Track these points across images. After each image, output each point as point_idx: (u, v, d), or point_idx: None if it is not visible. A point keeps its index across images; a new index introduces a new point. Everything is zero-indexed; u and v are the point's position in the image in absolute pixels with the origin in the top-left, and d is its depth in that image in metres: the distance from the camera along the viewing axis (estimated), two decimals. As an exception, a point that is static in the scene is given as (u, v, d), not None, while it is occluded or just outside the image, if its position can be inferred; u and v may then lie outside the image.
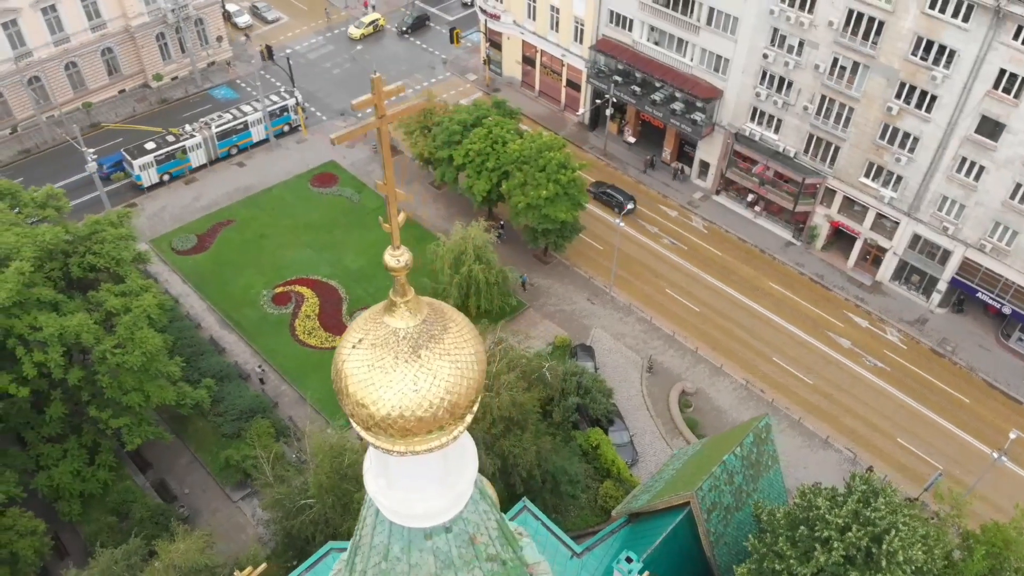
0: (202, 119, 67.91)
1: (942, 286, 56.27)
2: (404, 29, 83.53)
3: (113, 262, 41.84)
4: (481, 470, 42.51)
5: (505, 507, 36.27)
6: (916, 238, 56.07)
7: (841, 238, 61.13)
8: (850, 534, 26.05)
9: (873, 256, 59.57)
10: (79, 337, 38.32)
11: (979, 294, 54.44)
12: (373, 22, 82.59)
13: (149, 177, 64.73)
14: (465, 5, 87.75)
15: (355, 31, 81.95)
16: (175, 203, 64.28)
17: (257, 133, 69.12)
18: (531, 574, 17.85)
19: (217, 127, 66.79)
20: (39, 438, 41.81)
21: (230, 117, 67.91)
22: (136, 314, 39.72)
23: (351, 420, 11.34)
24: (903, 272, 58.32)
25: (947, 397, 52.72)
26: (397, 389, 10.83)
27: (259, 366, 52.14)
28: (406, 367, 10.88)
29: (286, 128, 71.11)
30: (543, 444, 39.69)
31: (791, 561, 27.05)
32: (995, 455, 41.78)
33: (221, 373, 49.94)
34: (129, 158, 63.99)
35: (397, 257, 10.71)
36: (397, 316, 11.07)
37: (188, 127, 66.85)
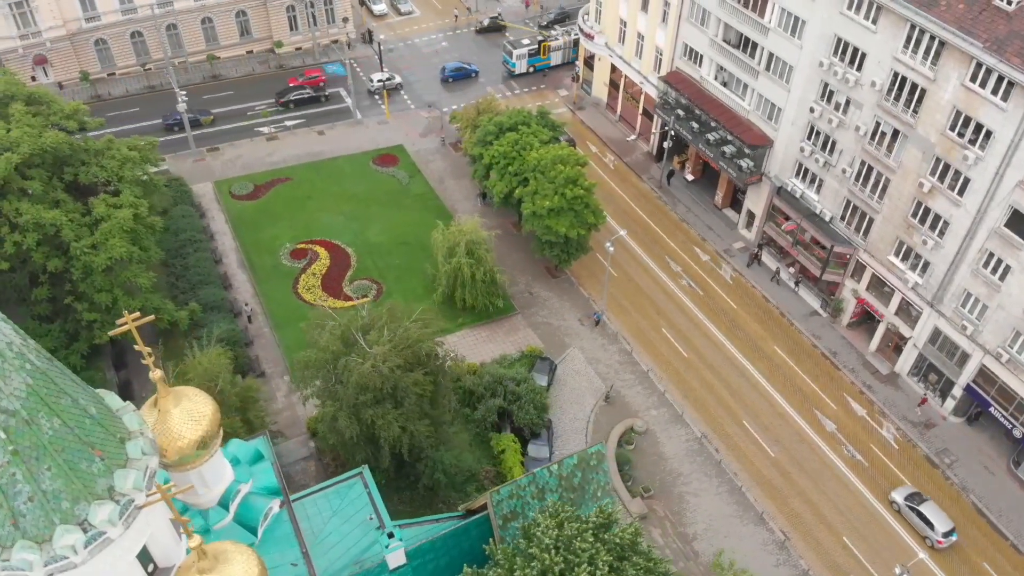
0: (564, 28, 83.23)
1: (957, 391, 50.48)
2: (478, 29, 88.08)
3: (115, 177, 47.37)
4: (340, 431, 43.42)
5: (377, 479, 37.39)
6: (937, 333, 50.72)
7: (871, 319, 56.31)
8: (548, 556, 25.05)
9: (895, 344, 54.46)
10: (60, 230, 43.96)
11: (992, 408, 48.34)
12: None
13: (522, 66, 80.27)
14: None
15: None
16: (251, 154, 70.62)
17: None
18: (98, 456, 19.70)
19: (574, 36, 79.75)
20: (29, 315, 48.10)
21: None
22: (112, 223, 44.84)
23: None
24: (921, 368, 52.88)
25: (920, 510, 47.22)
26: None
27: (246, 304, 56.33)
28: None
29: None
30: (419, 428, 40.15)
31: (499, 570, 26.37)
32: (898, 570, 37.29)
33: (214, 304, 54.57)
34: (511, 48, 79.70)
35: None
36: None
37: (554, 31, 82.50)
